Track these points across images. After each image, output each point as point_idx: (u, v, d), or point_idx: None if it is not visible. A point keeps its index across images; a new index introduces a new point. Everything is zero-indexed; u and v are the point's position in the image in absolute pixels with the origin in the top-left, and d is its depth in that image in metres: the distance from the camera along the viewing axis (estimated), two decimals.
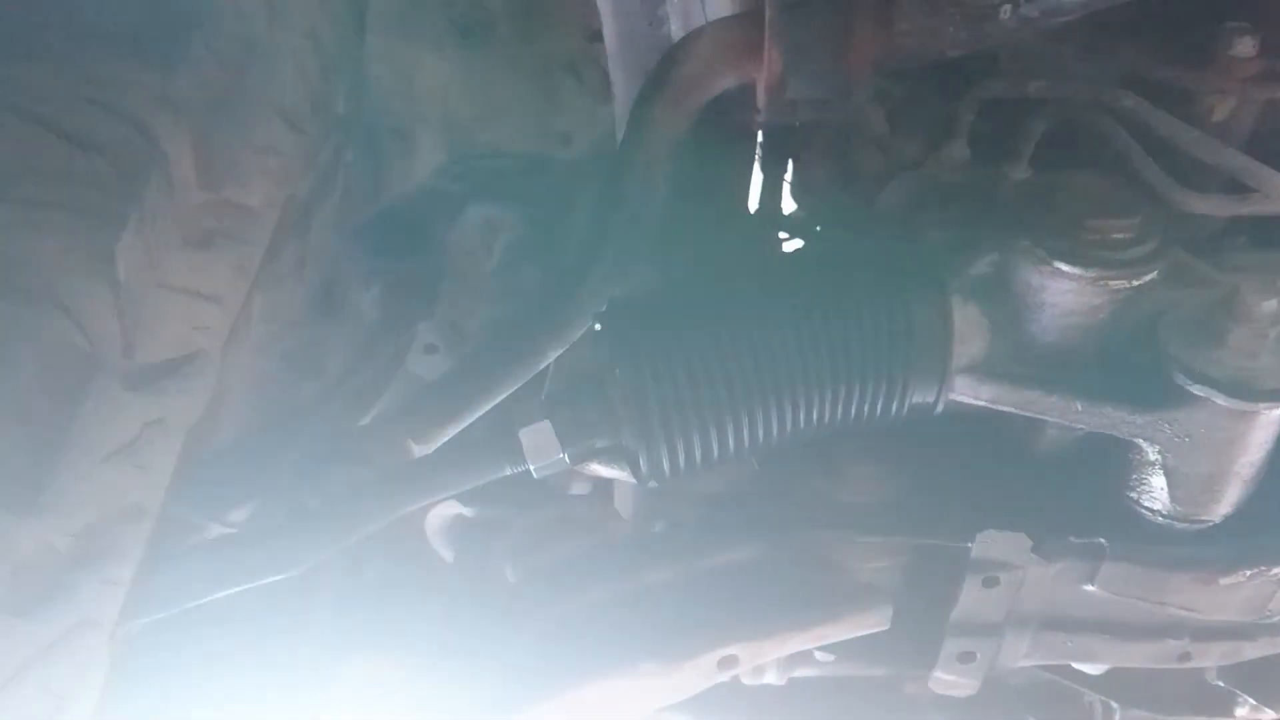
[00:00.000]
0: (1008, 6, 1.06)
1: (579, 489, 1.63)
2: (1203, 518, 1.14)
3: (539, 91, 1.85)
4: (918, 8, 1.07)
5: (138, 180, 0.90)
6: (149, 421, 0.89)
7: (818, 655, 1.38)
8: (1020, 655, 1.26)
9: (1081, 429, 1.12)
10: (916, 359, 1.08)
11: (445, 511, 1.55)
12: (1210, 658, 1.28)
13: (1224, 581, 1.14)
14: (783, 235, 1.35)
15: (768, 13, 1.08)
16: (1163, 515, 1.14)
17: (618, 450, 1.09)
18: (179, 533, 1.04)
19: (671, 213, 1.25)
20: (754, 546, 1.23)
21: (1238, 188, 1.14)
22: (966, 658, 1.25)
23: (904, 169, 1.26)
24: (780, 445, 1.11)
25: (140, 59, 0.96)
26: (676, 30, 1.30)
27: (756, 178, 1.35)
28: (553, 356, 1.18)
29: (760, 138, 1.35)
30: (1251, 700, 1.39)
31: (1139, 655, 1.25)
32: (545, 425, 1.06)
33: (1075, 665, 1.35)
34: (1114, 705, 1.41)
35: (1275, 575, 1.15)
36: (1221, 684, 1.39)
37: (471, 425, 1.14)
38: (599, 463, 1.19)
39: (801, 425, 1.08)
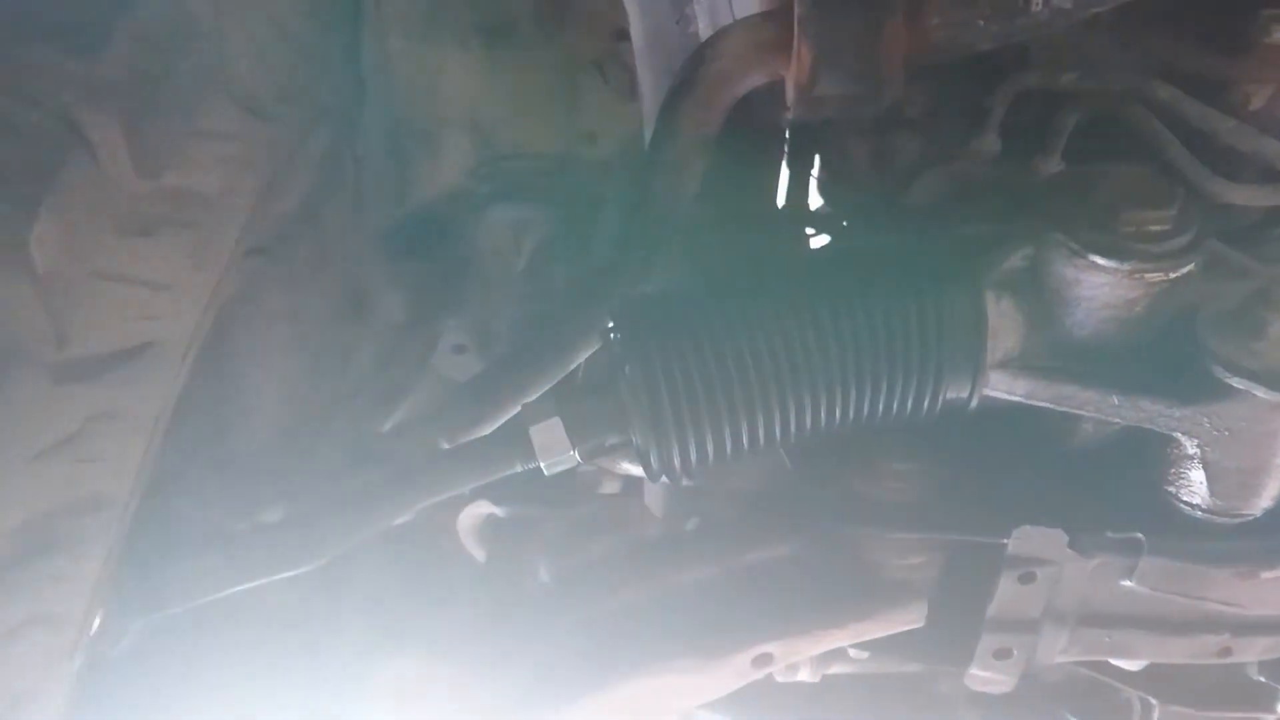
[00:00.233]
0: None
1: (610, 488, 1.64)
2: (1243, 511, 1.12)
3: (564, 91, 1.85)
4: (949, 1, 1.06)
5: (54, 168, 0.88)
6: (93, 414, 0.88)
7: (851, 652, 1.38)
8: (1057, 651, 1.25)
9: (1118, 423, 1.11)
10: (950, 355, 1.07)
11: (477, 511, 1.56)
12: (1252, 652, 1.26)
13: (1265, 575, 1.13)
14: (811, 232, 1.35)
15: (797, 9, 1.08)
16: (1202, 509, 1.12)
17: (628, 447, 1.09)
18: (199, 529, 1.05)
19: (701, 211, 1.25)
20: (788, 544, 1.23)
21: (1275, 177, 1.13)
22: (1003, 654, 1.24)
23: (935, 163, 1.25)
24: (806, 442, 1.11)
25: (63, 46, 0.94)
26: (704, 28, 1.30)
27: (785, 175, 1.35)
28: (583, 356, 1.18)
29: (789, 134, 1.35)
30: None
31: (1178, 650, 1.24)
32: (555, 422, 1.06)
33: (1113, 661, 1.34)
34: (1153, 701, 1.39)
35: None
36: (1263, 679, 1.37)
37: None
38: (629, 461, 1.19)
39: (823, 422, 1.07)
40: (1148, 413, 1.08)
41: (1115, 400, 1.08)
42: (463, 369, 1.80)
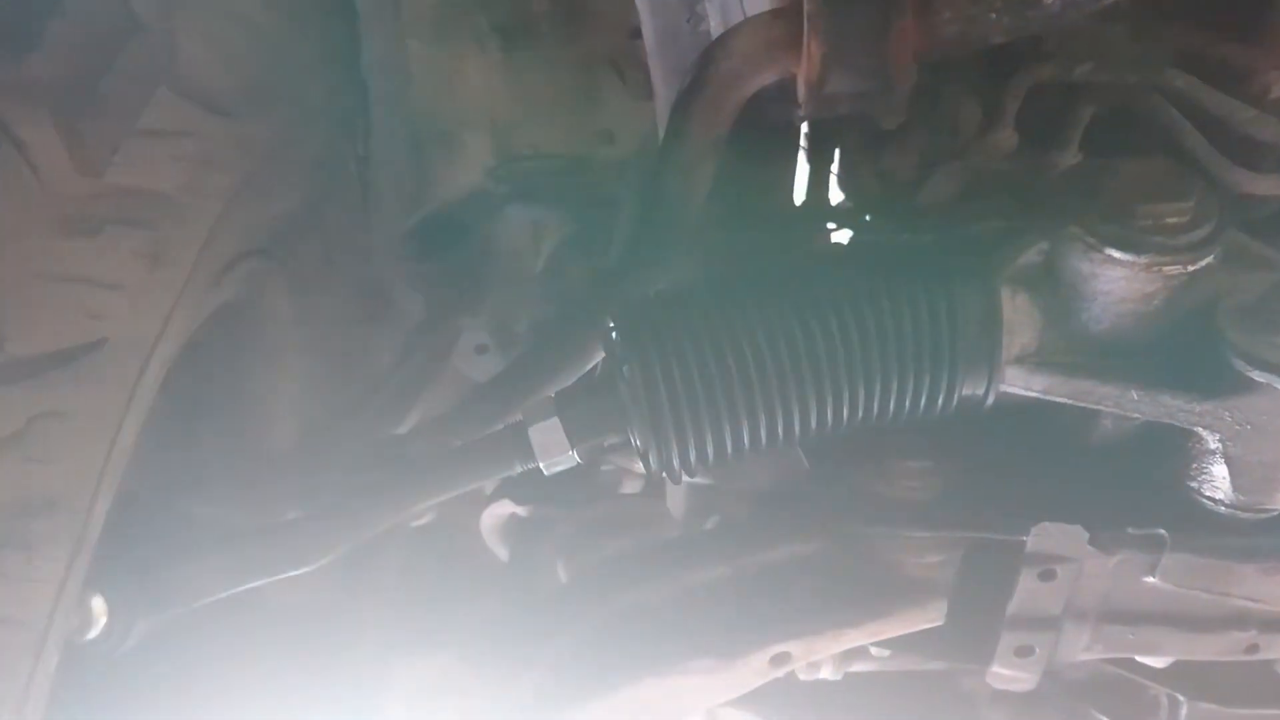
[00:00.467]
0: None
1: (631, 488, 1.64)
2: (1267, 506, 1.11)
3: (582, 91, 1.86)
4: None
5: None
6: (38, 414, 0.87)
7: (873, 651, 1.37)
8: (1080, 649, 1.24)
9: (1138, 418, 1.10)
10: (965, 351, 1.06)
11: (500, 511, 1.57)
12: (1279, 649, 1.25)
13: None
14: (829, 228, 1.34)
15: (806, 6, 1.07)
16: (1225, 505, 1.11)
17: (627, 447, 1.09)
18: (202, 529, 1.05)
19: (715, 210, 1.25)
20: (805, 543, 1.22)
21: None
22: (1024, 652, 1.23)
23: (950, 159, 1.24)
24: (822, 441, 1.10)
25: None
26: (716, 26, 1.30)
27: (799, 173, 1.34)
28: (595, 358, 1.18)
29: (805, 130, 1.35)
30: None
31: (1204, 648, 1.23)
32: (554, 423, 1.06)
33: (1139, 658, 1.32)
34: (1180, 699, 1.38)
35: None
36: None
37: (476, 415, 1.15)
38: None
39: (832, 422, 1.07)
40: (1168, 407, 1.07)
41: (1134, 395, 1.07)
42: (485, 369, 1.81)
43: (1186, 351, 1.06)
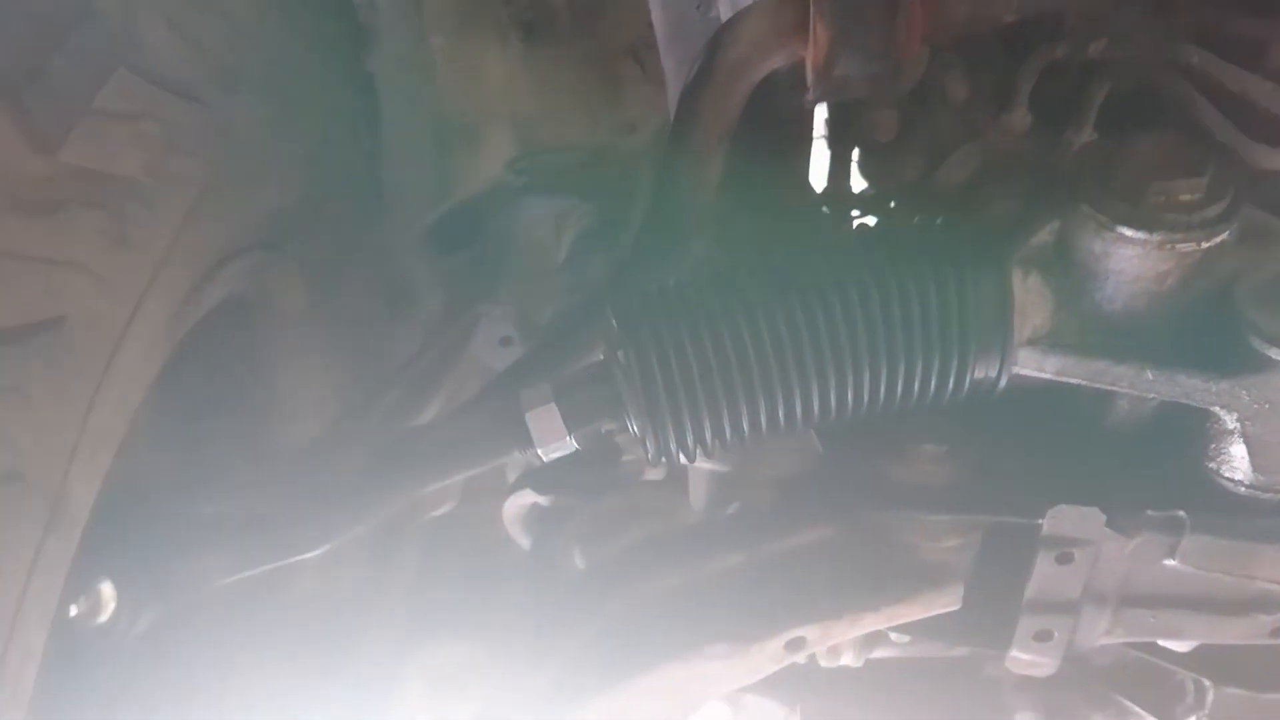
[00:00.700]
0: None
1: (654, 475, 1.65)
2: None
3: (604, 82, 1.86)
4: None
5: None
6: None
7: (893, 637, 1.37)
8: (1100, 633, 1.23)
9: (1154, 399, 1.09)
10: (976, 333, 1.05)
11: (521, 500, 1.58)
12: None
13: None
14: (841, 214, 1.34)
15: None
16: (1245, 485, 1.09)
17: (625, 433, 1.09)
18: (206, 518, 1.07)
19: (728, 198, 1.25)
20: (821, 529, 1.22)
21: None
22: (1043, 636, 1.22)
23: (964, 141, 1.23)
24: (834, 426, 1.10)
25: None
26: (725, 13, 1.29)
27: (814, 159, 1.34)
28: None
29: (830, 116, 1.34)
30: None
31: (1228, 631, 1.21)
32: (551, 409, 1.07)
33: (1162, 643, 1.31)
34: (1207, 684, 1.36)
35: None
36: None
37: (481, 407, 1.16)
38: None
39: (836, 407, 1.06)
40: (1184, 387, 1.05)
41: (1150, 375, 1.06)
42: (509, 362, 1.82)
43: (1203, 330, 1.04)
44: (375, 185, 1.60)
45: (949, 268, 1.04)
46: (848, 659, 1.42)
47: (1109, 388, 1.08)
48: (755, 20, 1.15)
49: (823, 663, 1.43)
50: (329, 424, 1.37)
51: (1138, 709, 1.42)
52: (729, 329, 1.03)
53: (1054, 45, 1.18)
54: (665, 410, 1.04)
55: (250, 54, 1.23)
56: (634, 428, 1.08)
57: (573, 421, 1.07)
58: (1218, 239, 1.01)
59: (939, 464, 1.20)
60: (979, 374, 1.08)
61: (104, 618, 1.00)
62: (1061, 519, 1.13)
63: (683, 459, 1.09)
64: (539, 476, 1.56)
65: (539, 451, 1.08)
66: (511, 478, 1.57)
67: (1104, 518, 1.12)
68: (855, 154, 1.32)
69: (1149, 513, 1.13)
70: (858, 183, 1.37)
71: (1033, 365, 1.08)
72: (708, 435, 1.07)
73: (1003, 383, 1.09)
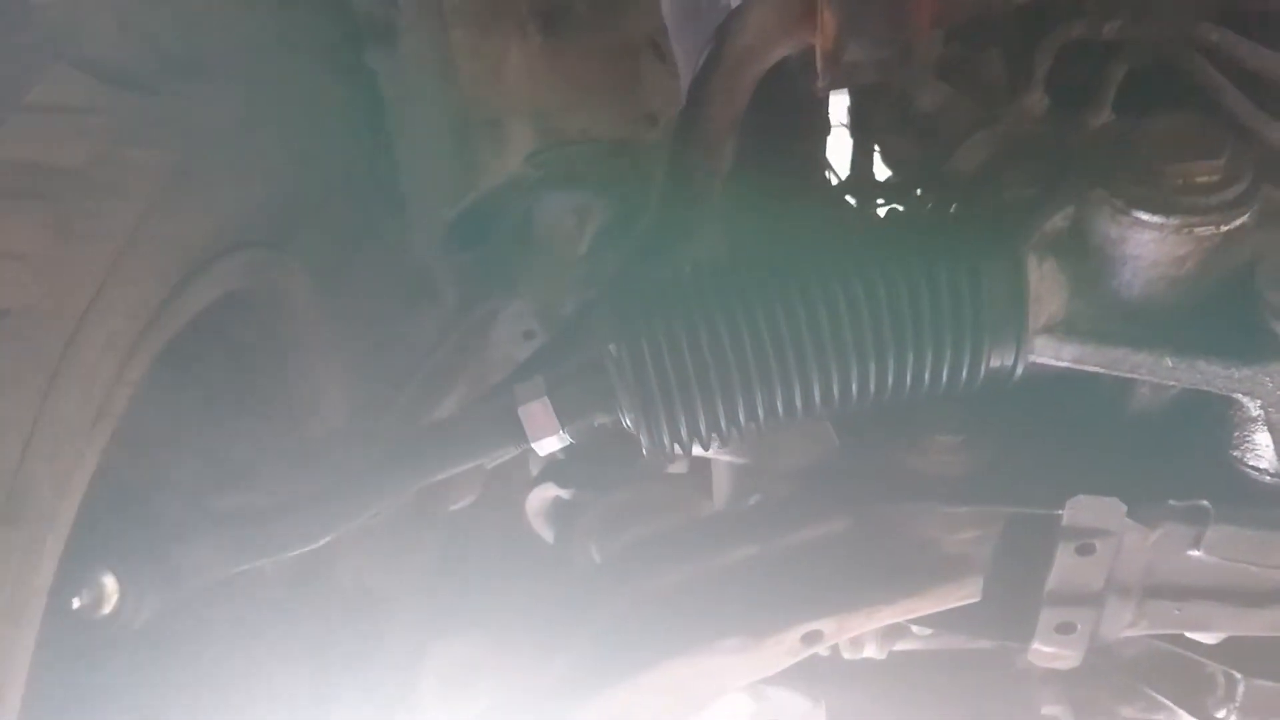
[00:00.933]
0: None
1: (678, 468, 1.64)
2: None
3: (624, 73, 1.85)
4: None
5: None
6: None
7: (915, 629, 1.36)
8: (1125, 625, 1.20)
9: (1175, 386, 1.06)
10: (989, 321, 1.03)
11: (544, 494, 1.58)
12: None
13: None
14: (856, 203, 1.32)
15: None
16: (1270, 474, 1.07)
17: (618, 426, 1.08)
18: (207, 512, 1.08)
19: (739, 187, 1.24)
20: (838, 520, 1.21)
21: None
22: (1065, 628, 1.20)
23: (980, 126, 1.21)
24: (851, 416, 1.09)
25: None
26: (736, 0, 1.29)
27: (826, 145, 1.33)
28: None
29: (852, 103, 1.33)
30: None
31: (1255, 623, 1.18)
32: (544, 403, 1.07)
33: (1190, 635, 1.28)
34: (1237, 676, 1.33)
35: None
36: None
37: (481, 402, 1.16)
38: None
39: (840, 397, 1.05)
40: (1205, 374, 1.02)
41: (1170, 363, 1.03)
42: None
43: (1223, 315, 1.02)
44: (381, 182, 1.60)
45: (963, 255, 1.02)
46: (871, 651, 1.41)
47: (1128, 375, 1.06)
48: (763, 8, 1.14)
49: (845, 655, 1.42)
50: (346, 419, 1.38)
51: (1167, 702, 1.39)
52: (724, 321, 1.02)
53: (1070, 25, 1.15)
54: (658, 402, 1.04)
55: (211, 45, 1.22)
56: (627, 421, 1.07)
57: (565, 415, 1.07)
58: (1237, 221, 0.99)
59: (956, 454, 1.18)
60: (994, 363, 1.06)
61: (107, 610, 1.02)
62: (1081, 509, 1.11)
63: (678, 450, 1.09)
64: (561, 470, 1.56)
65: (533, 445, 1.08)
66: (534, 471, 1.58)
67: (1125, 508, 1.10)
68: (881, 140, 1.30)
69: (1171, 503, 1.10)
70: (868, 173, 1.36)
71: (1049, 353, 1.06)
72: (702, 426, 1.06)
73: (1019, 371, 1.07)
